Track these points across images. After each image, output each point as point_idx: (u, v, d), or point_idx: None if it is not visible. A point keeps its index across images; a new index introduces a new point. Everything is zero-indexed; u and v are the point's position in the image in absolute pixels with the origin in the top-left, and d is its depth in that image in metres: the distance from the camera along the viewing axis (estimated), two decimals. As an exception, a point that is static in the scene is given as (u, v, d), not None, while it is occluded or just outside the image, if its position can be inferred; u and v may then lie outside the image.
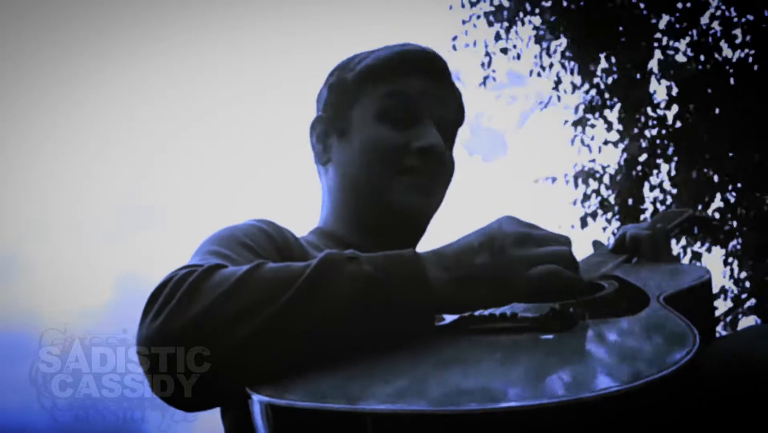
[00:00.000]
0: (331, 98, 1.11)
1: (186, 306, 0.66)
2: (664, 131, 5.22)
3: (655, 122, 5.29)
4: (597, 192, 5.48)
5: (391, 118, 1.05)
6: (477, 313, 0.78)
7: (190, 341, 0.65)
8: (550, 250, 0.71)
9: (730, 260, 5.07)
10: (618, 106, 5.39)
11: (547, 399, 0.50)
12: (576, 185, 5.52)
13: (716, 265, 5.10)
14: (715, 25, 5.03)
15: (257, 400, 0.58)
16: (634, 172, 5.28)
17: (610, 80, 5.38)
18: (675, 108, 5.16)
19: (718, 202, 5.05)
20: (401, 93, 1.06)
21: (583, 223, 5.47)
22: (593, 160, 5.56)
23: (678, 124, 5.17)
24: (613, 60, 5.30)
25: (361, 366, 0.62)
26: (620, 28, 5.09)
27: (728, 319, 4.90)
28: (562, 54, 5.52)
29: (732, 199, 4.98)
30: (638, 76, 5.22)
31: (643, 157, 5.26)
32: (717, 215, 4.91)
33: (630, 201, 5.34)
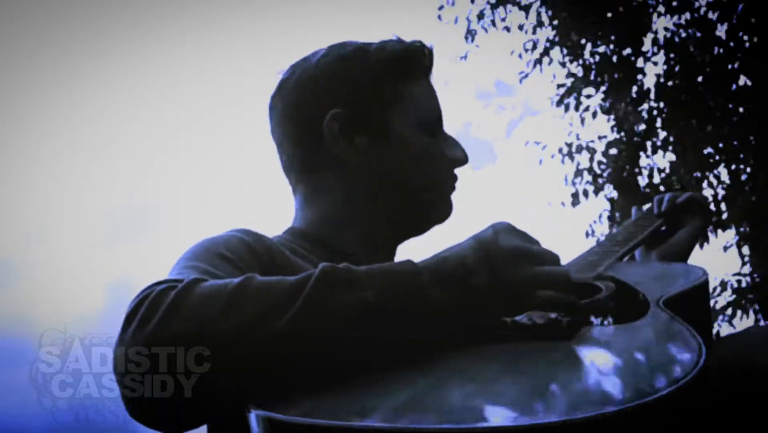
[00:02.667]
0: (349, 91, 1.01)
1: (169, 323, 0.63)
2: (657, 104, 5.19)
3: (647, 98, 5.26)
4: (590, 169, 5.46)
5: (428, 126, 1.04)
6: None
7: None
8: (549, 272, 0.71)
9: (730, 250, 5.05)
10: (606, 85, 5.37)
11: (552, 418, 0.50)
12: (572, 158, 5.50)
13: (715, 255, 5.09)
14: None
15: (255, 414, 0.58)
16: (625, 148, 5.26)
17: (597, 58, 5.37)
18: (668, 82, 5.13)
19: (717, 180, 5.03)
20: (431, 98, 1.06)
21: (575, 200, 5.47)
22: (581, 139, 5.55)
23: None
24: (604, 39, 5.27)
25: (363, 379, 0.62)
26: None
27: (728, 312, 4.89)
28: (552, 30, 5.50)
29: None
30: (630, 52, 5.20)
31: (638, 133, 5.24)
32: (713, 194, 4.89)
33: (625, 174, 5.34)
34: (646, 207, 1.43)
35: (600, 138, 5.51)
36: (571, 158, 5.54)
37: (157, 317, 0.64)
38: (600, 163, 5.43)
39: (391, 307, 0.67)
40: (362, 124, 1.01)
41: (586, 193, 5.47)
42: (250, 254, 0.88)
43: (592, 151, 5.47)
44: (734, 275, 4.94)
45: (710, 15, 5.03)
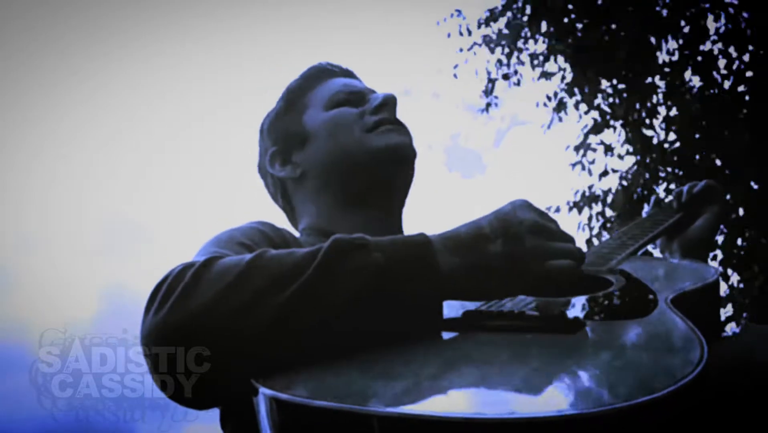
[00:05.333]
0: (275, 129, 1.18)
1: (189, 298, 0.65)
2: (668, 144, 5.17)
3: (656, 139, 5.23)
4: (602, 214, 5.44)
5: (340, 103, 1.14)
6: (484, 308, 0.77)
7: (194, 334, 0.64)
8: (566, 247, 0.72)
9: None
10: (619, 125, 5.34)
11: (552, 412, 0.49)
12: (580, 212, 5.48)
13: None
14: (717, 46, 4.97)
15: (263, 392, 0.58)
16: (636, 193, 5.23)
17: (611, 100, 5.34)
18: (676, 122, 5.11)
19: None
20: (337, 83, 1.17)
21: (589, 246, 5.43)
22: (591, 186, 5.52)
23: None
24: (615, 82, 5.23)
25: (369, 363, 0.62)
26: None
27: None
28: (563, 79, 5.47)
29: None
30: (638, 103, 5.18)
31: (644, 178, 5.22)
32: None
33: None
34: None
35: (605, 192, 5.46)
36: (579, 211, 5.48)
37: (177, 292, 0.65)
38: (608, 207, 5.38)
39: (400, 269, 0.67)
40: (292, 145, 1.15)
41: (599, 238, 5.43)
42: (268, 245, 0.91)
43: (604, 202, 5.42)
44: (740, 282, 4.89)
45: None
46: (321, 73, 1.20)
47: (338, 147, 1.10)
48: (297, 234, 1.08)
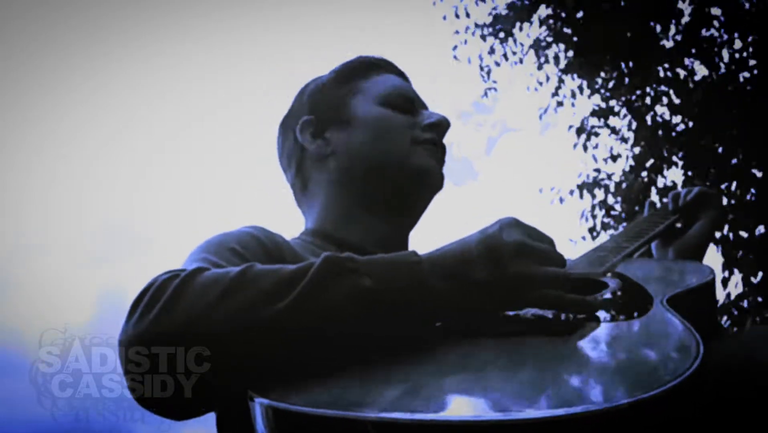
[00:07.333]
0: (318, 98, 1.14)
1: (170, 311, 0.65)
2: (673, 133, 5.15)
3: (661, 126, 5.20)
4: (604, 202, 5.41)
5: (393, 105, 1.10)
6: None
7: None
8: (547, 272, 0.71)
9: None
10: (623, 111, 5.31)
11: (550, 412, 0.50)
12: (581, 196, 5.43)
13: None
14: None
15: (258, 402, 0.58)
16: (640, 178, 5.20)
17: (611, 84, 5.32)
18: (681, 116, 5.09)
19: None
20: (393, 82, 1.13)
21: (592, 234, 5.37)
22: (598, 170, 5.45)
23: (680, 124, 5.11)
24: (617, 66, 5.20)
25: (365, 370, 0.62)
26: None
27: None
28: (565, 65, 5.44)
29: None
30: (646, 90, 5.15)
31: (649, 162, 5.18)
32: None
33: (636, 208, 5.27)
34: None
35: (609, 175, 5.44)
36: (581, 196, 5.44)
37: (159, 306, 0.65)
38: (613, 195, 5.34)
39: (389, 294, 0.67)
40: (330, 120, 1.10)
41: (606, 228, 5.38)
42: (260, 250, 0.90)
43: (606, 188, 5.39)
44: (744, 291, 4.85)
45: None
46: (379, 66, 1.16)
47: (381, 147, 1.07)
48: (288, 236, 1.05)
